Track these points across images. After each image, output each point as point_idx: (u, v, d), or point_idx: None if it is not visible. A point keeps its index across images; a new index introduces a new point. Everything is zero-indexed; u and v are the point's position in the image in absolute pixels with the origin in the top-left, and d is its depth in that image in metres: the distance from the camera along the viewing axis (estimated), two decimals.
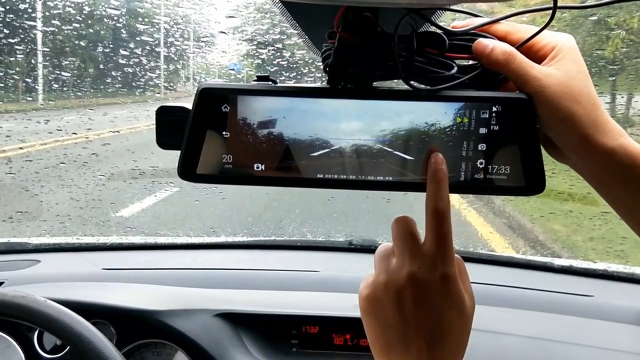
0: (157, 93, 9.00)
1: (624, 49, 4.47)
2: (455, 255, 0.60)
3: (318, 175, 0.60)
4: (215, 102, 0.59)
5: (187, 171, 0.60)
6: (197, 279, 1.55)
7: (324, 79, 0.62)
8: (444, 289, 0.57)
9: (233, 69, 8.63)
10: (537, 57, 0.60)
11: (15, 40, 6.80)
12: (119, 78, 7.79)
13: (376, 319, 0.59)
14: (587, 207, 3.57)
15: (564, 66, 0.58)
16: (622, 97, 4.71)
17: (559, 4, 0.56)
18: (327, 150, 0.59)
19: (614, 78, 4.52)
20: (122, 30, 8.48)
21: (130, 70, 6.76)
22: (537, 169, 0.58)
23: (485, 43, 0.59)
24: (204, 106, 0.59)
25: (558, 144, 0.60)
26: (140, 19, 8.50)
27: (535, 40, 0.60)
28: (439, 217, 0.57)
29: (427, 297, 0.56)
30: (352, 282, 1.52)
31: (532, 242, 4.27)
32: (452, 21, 0.63)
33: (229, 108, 0.59)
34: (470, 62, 0.61)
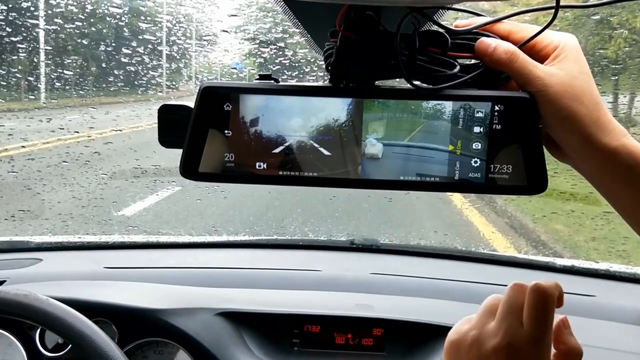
0: (160, 92, 9.02)
1: (627, 49, 4.46)
2: (576, 346, 0.59)
3: (321, 175, 0.60)
4: (218, 101, 0.59)
5: (189, 170, 0.60)
6: (199, 278, 1.55)
7: (326, 77, 0.62)
8: None
9: (235, 68, 8.65)
10: (540, 56, 0.60)
11: (18, 38, 6.81)
12: (121, 77, 7.80)
13: None
14: (589, 207, 3.57)
15: (566, 66, 0.58)
16: (625, 96, 4.71)
17: (561, 3, 0.56)
18: (329, 149, 0.59)
19: (616, 77, 4.52)
20: (125, 28, 8.50)
21: (132, 69, 6.77)
22: (539, 169, 0.58)
23: (488, 42, 0.59)
24: (206, 105, 0.59)
25: (560, 143, 0.59)
26: (142, 18, 8.51)
27: (538, 39, 0.60)
28: (542, 297, 0.57)
29: None
30: (353, 282, 1.53)
31: (534, 242, 4.27)
32: (454, 20, 0.63)
33: (231, 107, 0.59)
34: (473, 61, 0.61)
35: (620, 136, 0.57)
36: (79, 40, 8.78)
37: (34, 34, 7.00)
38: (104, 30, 9.05)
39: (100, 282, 1.53)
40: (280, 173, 0.60)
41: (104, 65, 9.91)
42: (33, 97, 8.70)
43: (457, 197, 4.75)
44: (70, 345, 1.29)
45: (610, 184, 0.59)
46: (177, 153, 0.61)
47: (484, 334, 0.58)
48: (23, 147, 5.79)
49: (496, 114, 0.58)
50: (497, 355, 0.56)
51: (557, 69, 0.58)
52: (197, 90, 0.60)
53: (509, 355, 0.56)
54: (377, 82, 0.62)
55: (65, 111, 7.62)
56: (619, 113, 4.62)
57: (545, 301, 0.56)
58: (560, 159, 0.62)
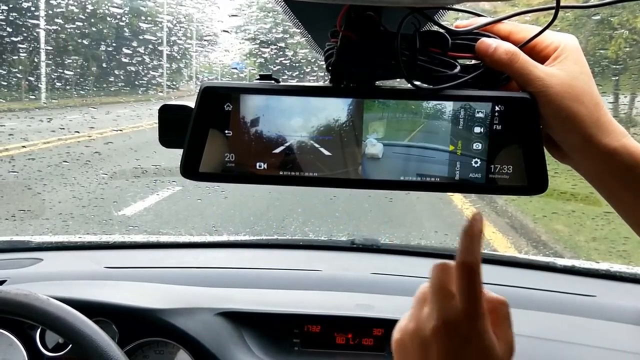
0: (160, 92, 9.02)
1: (627, 49, 4.46)
2: (500, 300, 0.59)
3: (321, 175, 0.60)
4: (218, 101, 0.59)
5: (190, 170, 0.60)
6: (199, 278, 1.55)
7: (326, 78, 0.62)
8: (468, 345, 0.56)
9: (236, 68, 8.65)
10: (540, 57, 0.60)
11: (19, 38, 6.82)
12: (122, 77, 7.81)
13: None
14: (589, 207, 3.57)
15: (566, 66, 0.58)
16: (625, 97, 4.71)
17: (561, 4, 0.56)
18: (329, 149, 0.59)
19: (616, 78, 4.51)
20: (125, 28, 8.50)
21: (133, 69, 6.78)
22: (539, 169, 0.58)
23: (489, 42, 0.59)
24: (206, 105, 0.59)
25: (560, 144, 0.60)
26: (143, 18, 8.52)
27: (538, 40, 0.60)
28: (467, 271, 0.56)
29: (450, 352, 0.56)
30: (354, 282, 1.53)
31: (534, 242, 4.27)
32: (455, 20, 0.63)
33: (231, 107, 0.59)
34: (473, 61, 0.61)
35: (620, 137, 0.57)
36: (79, 40, 8.79)
37: (35, 34, 7.01)
38: (105, 30, 9.06)
39: (100, 281, 1.53)
40: (281, 173, 0.60)
41: (104, 65, 9.91)
42: (34, 97, 8.72)
43: (457, 197, 4.75)
44: (70, 345, 1.29)
45: (611, 185, 0.59)
46: (178, 153, 0.61)
47: (421, 321, 0.58)
48: (24, 146, 5.79)
49: (497, 114, 0.58)
50: (437, 337, 0.56)
51: (558, 69, 0.58)
52: (197, 90, 0.60)
53: (448, 333, 0.56)
54: (377, 82, 0.62)
55: (65, 111, 7.63)
56: (619, 113, 4.62)
57: (471, 273, 0.56)
58: (560, 160, 0.62)
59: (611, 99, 4.38)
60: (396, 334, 0.61)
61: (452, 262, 0.59)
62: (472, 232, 0.57)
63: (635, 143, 0.58)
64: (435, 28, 0.61)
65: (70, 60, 8.58)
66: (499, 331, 0.58)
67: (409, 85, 0.59)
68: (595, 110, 0.57)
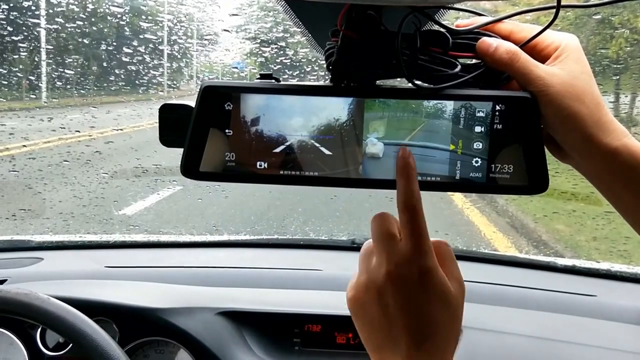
0: (161, 91, 8.99)
1: (628, 48, 4.45)
2: (440, 240, 0.60)
3: (322, 174, 0.60)
4: (219, 100, 0.59)
5: (190, 169, 0.60)
6: (200, 277, 1.55)
7: (327, 77, 0.62)
8: (423, 284, 0.56)
9: (236, 67, 8.64)
10: (541, 56, 0.60)
11: (19, 38, 6.82)
12: (122, 76, 7.80)
13: (363, 319, 0.60)
14: (590, 206, 3.56)
15: (567, 66, 0.58)
16: (626, 96, 4.70)
17: (562, 3, 0.56)
18: (330, 148, 0.59)
19: (617, 77, 4.50)
20: (126, 28, 8.49)
21: (133, 68, 6.77)
22: (540, 168, 0.58)
23: (489, 42, 0.59)
24: (207, 104, 0.59)
25: (561, 143, 0.59)
26: (143, 17, 8.50)
27: (539, 39, 0.60)
28: (410, 212, 0.57)
29: (407, 294, 0.56)
30: None
31: (535, 241, 4.27)
32: (455, 20, 0.63)
33: (232, 106, 0.59)
34: (474, 60, 0.61)
35: (621, 136, 0.57)
36: (80, 40, 8.79)
37: (35, 33, 7.00)
38: (105, 30, 9.05)
39: (101, 281, 1.53)
40: (281, 172, 0.60)
41: (105, 64, 9.91)
42: (34, 96, 8.72)
43: (458, 197, 4.74)
44: (71, 345, 1.29)
45: (611, 184, 0.59)
46: (178, 152, 0.61)
47: (372, 272, 0.58)
48: (24, 146, 5.79)
49: (497, 113, 0.58)
50: (391, 281, 0.56)
51: (559, 69, 0.58)
52: (198, 90, 0.60)
53: (401, 275, 0.56)
54: (378, 82, 0.62)
55: (66, 110, 7.62)
56: (620, 113, 4.61)
57: (414, 212, 0.57)
58: (561, 159, 0.62)
59: (612, 98, 4.37)
60: (349, 292, 0.61)
61: (387, 213, 0.60)
62: (407, 172, 0.57)
63: (636, 142, 0.57)
64: (436, 27, 0.61)
65: (70, 60, 8.58)
66: (447, 270, 0.59)
67: (410, 84, 0.59)
68: (596, 109, 0.57)
